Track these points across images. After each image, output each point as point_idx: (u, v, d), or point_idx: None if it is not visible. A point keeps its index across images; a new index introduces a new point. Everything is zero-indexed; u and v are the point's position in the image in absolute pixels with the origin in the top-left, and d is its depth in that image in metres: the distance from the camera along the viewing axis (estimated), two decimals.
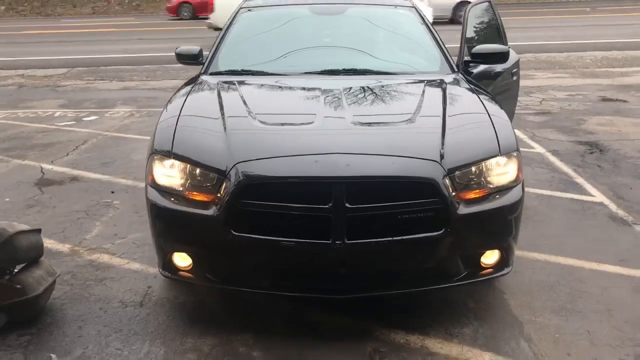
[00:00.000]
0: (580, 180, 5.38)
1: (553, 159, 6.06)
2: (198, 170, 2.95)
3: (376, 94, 3.78)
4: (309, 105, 3.55)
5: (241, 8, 4.92)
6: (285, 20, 4.76)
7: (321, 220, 2.72)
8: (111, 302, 3.39)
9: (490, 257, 3.07)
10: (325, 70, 4.14)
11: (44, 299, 3.21)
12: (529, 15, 23.26)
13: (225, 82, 3.95)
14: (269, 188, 2.83)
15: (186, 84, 4.08)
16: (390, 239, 2.78)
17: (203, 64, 4.42)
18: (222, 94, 3.67)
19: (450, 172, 2.87)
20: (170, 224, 3.02)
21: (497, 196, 3.01)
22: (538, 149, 6.42)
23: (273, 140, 3.12)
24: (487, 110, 3.39)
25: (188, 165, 2.97)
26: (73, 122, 8.09)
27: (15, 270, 3.15)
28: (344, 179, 2.73)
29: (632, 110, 8.20)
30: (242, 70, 4.22)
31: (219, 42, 4.51)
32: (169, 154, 3.04)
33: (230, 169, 2.83)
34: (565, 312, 3.25)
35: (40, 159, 6.28)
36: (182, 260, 3.05)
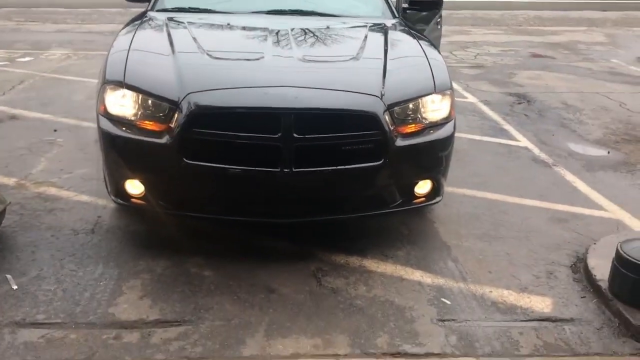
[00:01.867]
0: (508, 127, 5.77)
1: (484, 108, 6.44)
2: (150, 101, 3.05)
3: (322, 35, 3.94)
4: (258, 43, 3.66)
5: None
6: None
7: (270, 149, 2.89)
8: (62, 229, 3.48)
9: (423, 187, 3.35)
10: (272, 10, 4.26)
11: None
12: None
13: (174, 19, 4.01)
14: (221, 118, 2.95)
15: (133, 20, 4.10)
16: (334, 168, 3.01)
17: (149, 1, 4.45)
18: (171, 30, 3.74)
19: (389, 107, 3.09)
20: (123, 152, 3.10)
21: (432, 131, 3.28)
22: (471, 99, 6.79)
23: (224, 73, 3.24)
24: (424, 53, 3.63)
25: (140, 96, 3.06)
26: (7, 62, 7.84)
27: None
28: (293, 110, 2.89)
29: (558, 66, 8.70)
30: (190, 7, 4.29)
31: None
32: (121, 84, 3.11)
33: (182, 99, 2.94)
34: (489, 238, 3.60)
35: None
36: (134, 187, 3.16)
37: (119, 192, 3.21)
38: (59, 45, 9.14)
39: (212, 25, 4.07)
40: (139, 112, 3.07)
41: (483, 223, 3.78)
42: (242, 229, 3.48)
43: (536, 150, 5.14)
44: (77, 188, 4.04)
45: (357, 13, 4.46)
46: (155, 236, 3.46)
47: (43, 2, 13.03)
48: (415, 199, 3.38)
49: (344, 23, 4.21)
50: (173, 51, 3.37)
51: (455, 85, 7.27)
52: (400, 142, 3.10)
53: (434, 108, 3.31)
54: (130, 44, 3.47)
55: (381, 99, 3.08)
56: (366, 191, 3.22)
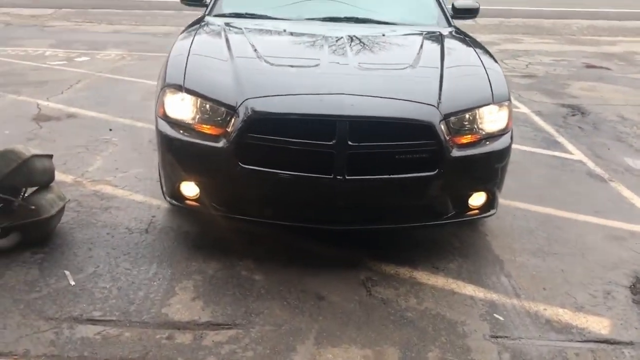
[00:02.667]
0: (561, 139, 5.63)
1: (537, 119, 6.31)
2: (208, 105, 3.09)
3: (378, 43, 3.94)
4: (314, 50, 3.69)
5: None
6: None
7: (324, 156, 2.90)
8: (117, 228, 3.56)
9: (477, 199, 3.30)
10: (327, 17, 4.29)
11: (55, 221, 3.38)
12: None
13: (231, 24, 4.07)
14: (276, 124, 2.98)
15: (192, 24, 4.19)
16: (387, 176, 2.99)
17: (207, 5, 4.54)
18: (229, 35, 3.80)
19: (446, 117, 3.06)
20: (180, 155, 3.16)
21: (488, 142, 3.23)
22: (523, 109, 6.65)
23: (281, 79, 3.28)
24: (482, 62, 3.59)
25: (199, 100, 3.11)
26: (65, 62, 8.08)
27: (27, 193, 3.30)
28: (348, 117, 2.89)
29: (614, 78, 8.46)
30: (246, 13, 4.35)
31: None
32: (180, 88, 3.16)
33: (240, 105, 2.98)
34: (543, 253, 3.51)
35: (35, 95, 6.32)
36: (189, 190, 3.21)
37: (174, 194, 3.26)
38: (114, 46, 9.38)
39: (268, 32, 4.12)
40: (197, 116, 3.12)
41: (537, 238, 3.69)
42: (293, 234, 3.48)
43: (591, 164, 5.00)
44: (132, 187, 4.13)
45: (412, 21, 4.44)
46: (207, 238, 3.50)
47: (99, 3, 13.41)
48: (469, 211, 3.33)
49: (400, 31, 4.21)
50: (231, 56, 3.42)
51: None
52: (455, 153, 3.07)
53: (492, 119, 3.26)
54: (190, 48, 3.53)
55: (437, 108, 3.06)
56: (419, 201, 3.19)
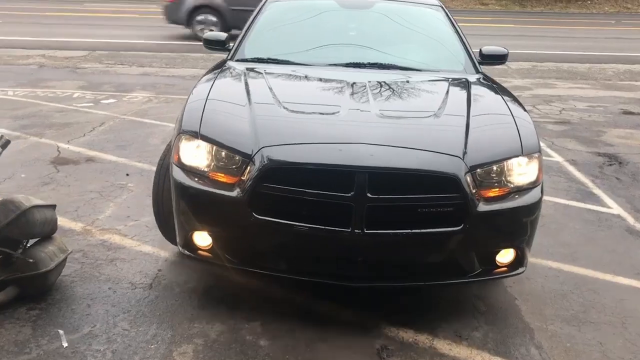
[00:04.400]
0: (597, 191, 5.31)
1: (571, 168, 6.00)
2: (224, 153, 2.97)
3: (401, 89, 3.79)
4: (334, 96, 3.57)
5: None
6: (312, 12, 4.76)
7: (342, 208, 2.74)
8: (121, 282, 3.38)
9: (505, 256, 3.04)
10: (350, 63, 4.14)
11: (55, 275, 3.22)
12: (553, 24, 23.03)
13: (252, 69, 3.97)
14: (293, 173, 2.83)
15: (213, 69, 4.10)
16: (409, 231, 2.80)
17: (229, 50, 4.46)
18: (249, 80, 3.68)
19: (472, 169, 2.87)
20: (193, 203, 3.02)
21: (517, 196, 2.99)
22: (556, 157, 6.36)
23: (299, 127, 3.15)
24: (510, 111, 3.37)
25: (214, 147, 2.99)
26: (91, 104, 8.11)
27: (29, 245, 3.15)
28: (367, 168, 2.74)
29: None
30: (268, 58, 4.24)
31: (246, 30, 4.56)
32: (196, 135, 3.05)
33: (256, 153, 2.86)
34: (578, 321, 3.20)
35: (57, 138, 6.30)
36: (202, 239, 3.06)
37: (187, 243, 3.10)
38: (142, 88, 9.43)
39: (289, 76, 3.99)
40: (212, 164, 2.99)
41: (571, 303, 3.38)
42: (306, 292, 3.25)
43: (630, 220, 4.66)
44: (141, 237, 3.97)
45: (438, 67, 4.25)
46: (213, 295, 3.29)
47: (131, 45, 13.64)
48: (496, 269, 3.07)
49: (425, 77, 4.02)
50: (249, 101, 3.31)
51: (540, 144, 6.91)
52: (482, 207, 2.85)
53: (521, 172, 3.02)
54: (208, 93, 3.44)
55: (463, 159, 2.87)
56: (443, 257, 2.96)
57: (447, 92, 3.64)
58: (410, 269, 3.03)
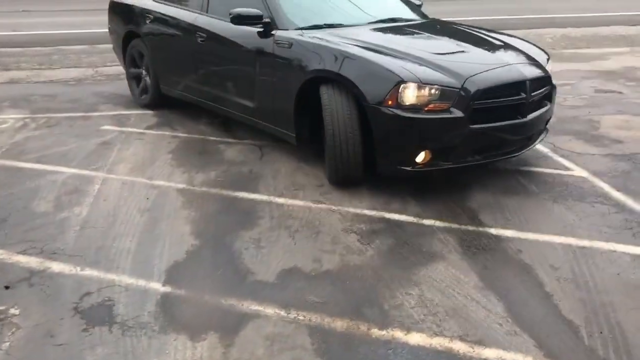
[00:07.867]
0: None
1: (603, 185, 4.73)
2: (439, 90, 4.09)
3: (455, 35, 5.22)
4: (436, 43, 4.95)
5: None
6: None
7: (518, 106, 4.40)
8: None
9: None
10: (378, 20, 5.44)
11: None
12: None
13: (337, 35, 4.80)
14: (491, 91, 4.24)
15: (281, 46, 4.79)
16: (542, 111, 4.72)
17: (267, 23, 4.83)
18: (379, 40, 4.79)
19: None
20: (419, 129, 4.08)
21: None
22: (577, 170, 5.05)
23: (468, 62, 4.47)
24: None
25: (433, 87, 4.09)
26: None
27: None
28: (529, 78, 4.45)
29: (636, 105, 7.10)
30: (324, 24, 5.05)
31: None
32: (418, 80, 4.05)
33: (464, 83, 4.15)
34: None
35: None
36: (420, 157, 4.15)
37: (409, 162, 4.16)
38: (11, 105, 7.12)
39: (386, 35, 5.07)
40: (430, 98, 4.09)
41: None
42: None
43: None
44: None
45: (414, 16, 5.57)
46: None
47: None
48: None
49: (430, 23, 5.67)
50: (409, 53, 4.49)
51: (541, 148, 5.61)
52: None
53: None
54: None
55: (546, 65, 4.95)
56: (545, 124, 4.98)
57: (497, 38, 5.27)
58: (537, 135, 4.86)
